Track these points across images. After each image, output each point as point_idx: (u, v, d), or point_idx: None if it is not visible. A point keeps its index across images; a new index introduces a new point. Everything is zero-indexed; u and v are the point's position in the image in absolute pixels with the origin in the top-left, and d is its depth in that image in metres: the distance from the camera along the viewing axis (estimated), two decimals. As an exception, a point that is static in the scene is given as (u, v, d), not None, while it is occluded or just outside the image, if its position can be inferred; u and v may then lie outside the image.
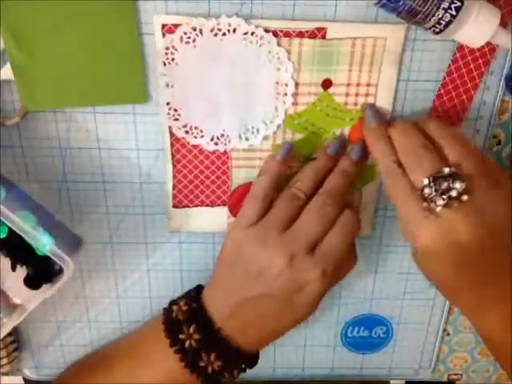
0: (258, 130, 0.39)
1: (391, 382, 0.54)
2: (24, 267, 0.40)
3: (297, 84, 0.38)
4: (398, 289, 0.48)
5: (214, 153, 0.40)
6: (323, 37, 0.36)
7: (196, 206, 0.42)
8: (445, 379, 0.54)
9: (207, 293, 0.40)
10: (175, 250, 0.45)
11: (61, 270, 0.38)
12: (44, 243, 0.36)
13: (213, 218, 0.43)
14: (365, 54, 0.37)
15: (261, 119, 0.39)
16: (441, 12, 0.32)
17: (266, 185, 0.38)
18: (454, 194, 0.31)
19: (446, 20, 0.32)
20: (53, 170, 0.41)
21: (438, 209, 0.32)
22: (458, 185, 0.31)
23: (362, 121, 0.39)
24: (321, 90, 0.38)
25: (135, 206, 0.43)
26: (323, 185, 0.38)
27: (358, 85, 0.38)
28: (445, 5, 0.32)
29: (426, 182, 0.32)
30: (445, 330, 0.50)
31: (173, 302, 0.41)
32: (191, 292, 0.41)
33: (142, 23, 0.36)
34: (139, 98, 0.38)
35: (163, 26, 0.36)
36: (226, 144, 0.40)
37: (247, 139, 0.40)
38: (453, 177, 0.32)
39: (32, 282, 0.40)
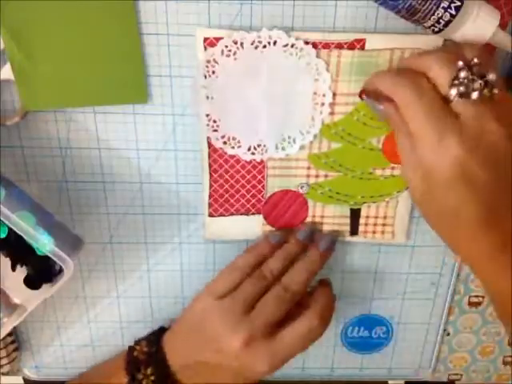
0: (294, 140, 0.40)
1: (391, 382, 0.54)
2: (24, 267, 0.40)
3: (334, 94, 0.38)
4: (398, 289, 0.48)
5: (250, 162, 0.41)
6: (362, 48, 0.37)
7: (231, 214, 0.43)
8: (445, 379, 0.54)
9: (168, 339, 0.42)
10: (175, 250, 0.45)
11: (61, 270, 0.38)
12: (44, 243, 0.36)
13: (248, 226, 0.43)
14: None
15: (297, 129, 0.39)
16: (440, 11, 0.32)
17: (249, 261, 0.41)
18: (491, 77, 0.31)
19: (446, 19, 0.32)
20: (53, 170, 0.41)
21: (475, 95, 0.31)
22: (491, 75, 0.31)
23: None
24: (358, 99, 0.38)
25: (135, 206, 0.43)
26: (286, 274, 0.40)
27: None
28: (444, 4, 0.32)
29: (461, 64, 0.31)
30: (445, 330, 0.50)
31: (136, 342, 0.43)
32: (153, 335, 0.44)
33: (142, 23, 0.36)
34: (139, 98, 0.38)
35: (205, 39, 0.36)
36: (262, 154, 0.40)
37: (283, 149, 0.40)
38: (483, 67, 0.31)
39: (32, 282, 0.40)
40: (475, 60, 0.31)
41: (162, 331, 0.44)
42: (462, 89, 0.31)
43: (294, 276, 0.40)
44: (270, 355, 0.38)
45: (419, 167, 0.33)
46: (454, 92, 0.31)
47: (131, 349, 0.43)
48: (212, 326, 0.39)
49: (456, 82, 0.31)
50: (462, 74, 0.31)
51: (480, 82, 0.31)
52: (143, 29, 0.36)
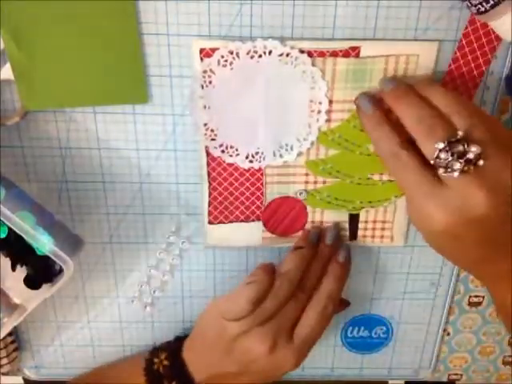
0: (291, 147, 0.40)
1: (391, 382, 0.54)
2: (24, 267, 0.40)
3: (330, 101, 0.38)
4: (398, 289, 0.48)
5: (248, 170, 0.41)
6: (357, 55, 0.37)
7: (231, 221, 0.43)
8: (445, 379, 0.54)
9: (188, 350, 0.43)
10: (175, 250, 0.45)
11: (61, 270, 0.38)
12: (44, 243, 0.36)
13: (248, 233, 0.44)
14: (398, 71, 0.37)
15: (295, 136, 0.39)
16: None
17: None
18: (471, 156, 0.30)
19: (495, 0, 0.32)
20: (53, 170, 0.41)
21: (456, 174, 0.30)
22: (473, 148, 0.30)
23: None
24: (354, 106, 0.38)
25: (135, 206, 0.43)
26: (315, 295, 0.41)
27: None
28: None
29: (441, 145, 0.30)
30: (445, 329, 0.50)
31: (154, 353, 0.44)
32: (171, 345, 0.44)
33: (142, 23, 0.36)
34: (139, 98, 0.38)
35: (201, 50, 0.36)
36: (260, 161, 0.40)
37: (281, 156, 0.40)
38: (467, 140, 0.30)
39: (32, 282, 0.40)
40: (459, 134, 0.31)
41: (178, 340, 0.44)
42: (442, 168, 0.31)
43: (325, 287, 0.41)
44: (294, 354, 0.39)
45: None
46: (438, 165, 0.31)
47: (150, 361, 0.43)
48: (246, 347, 0.39)
49: (437, 160, 0.31)
50: (442, 156, 0.31)
51: (460, 162, 0.30)
52: (143, 29, 0.36)
